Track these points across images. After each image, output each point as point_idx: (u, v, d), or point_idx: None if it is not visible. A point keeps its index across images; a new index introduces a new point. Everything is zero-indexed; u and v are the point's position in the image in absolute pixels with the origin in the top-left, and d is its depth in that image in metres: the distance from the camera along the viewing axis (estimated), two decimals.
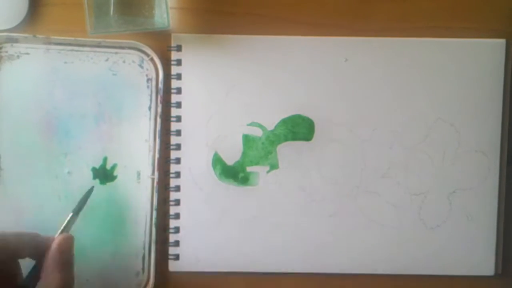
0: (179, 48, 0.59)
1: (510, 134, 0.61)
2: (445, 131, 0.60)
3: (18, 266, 0.52)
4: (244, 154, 0.60)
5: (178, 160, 0.60)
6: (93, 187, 0.59)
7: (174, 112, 0.60)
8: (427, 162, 0.60)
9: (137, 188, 0.60)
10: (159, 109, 0.59)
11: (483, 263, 0.61)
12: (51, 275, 0.50)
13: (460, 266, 0.61)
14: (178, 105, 0.60)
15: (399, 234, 0.61)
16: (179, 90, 0.60)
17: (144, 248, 0.60)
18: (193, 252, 0.60)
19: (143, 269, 0.60)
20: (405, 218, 0.61)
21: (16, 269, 0.52)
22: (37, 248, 0.52)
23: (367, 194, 0.61)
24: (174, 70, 0.60)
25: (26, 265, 0.53)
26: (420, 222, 0.61)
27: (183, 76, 0.60)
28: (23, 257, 0.52)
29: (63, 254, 0.52)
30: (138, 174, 0.60)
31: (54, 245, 0.52)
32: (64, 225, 0.55)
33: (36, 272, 0.52)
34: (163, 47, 0.60)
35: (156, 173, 0.59)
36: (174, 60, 0.59)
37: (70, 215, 0.55)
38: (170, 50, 0.60)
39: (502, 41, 0.60)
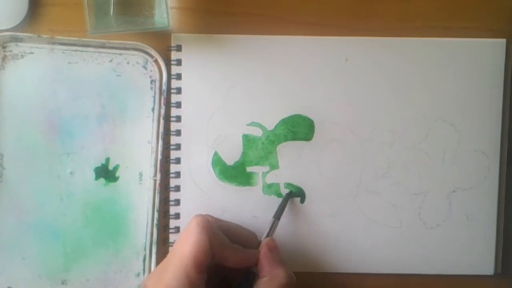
0: (179, 48, 0.60)
1: (510, 134, 0.61)
2: (445, 131, 0.60)
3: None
4: (244, 154, 0.60)
5: (178, 160, 0.60)
6: (289, 192, 0.60)
7: (174, 112, 0.60)
8: (427, 162, 0.60)
9: (139, 189, 0.60)
10: (162, 111, 0.59)
11: (483, 262, 0.61)
12: (273, 271, 0.52)
13: (460, 265, 0.61)
14: (178, 105, 0.60)
15: (399, 233, 0.61)
16: (179, 90, 0.60)
17: (145, 249, 0.60)
18: None
19: (143, 270, 0.60)
20: (405, 217, 0.61)
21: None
22: (254, 245, 0.56)
23: (367, 194, 0.61)
24: (174, 70, 0.60)
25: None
26: (420, 222, 0.61)
27: (183, 76, 0.60)
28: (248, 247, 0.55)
29: (274, 253, 0.54)
30: (140, 175, 0.60)
31: (263, 246, 0.55)
32: (268, 230, 0.57)
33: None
34: (163, 47, 0.60)
35: (158, 174, 0.60)
36: (174, 60, 0.60)
37: (272, 220, 0.57)
38: (170, 50, 0.60)
39: (502, 41, 0.60)
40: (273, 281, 0.52)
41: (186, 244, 0.50)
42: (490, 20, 0.61)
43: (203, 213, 0.59)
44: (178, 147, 0.60)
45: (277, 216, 0.58)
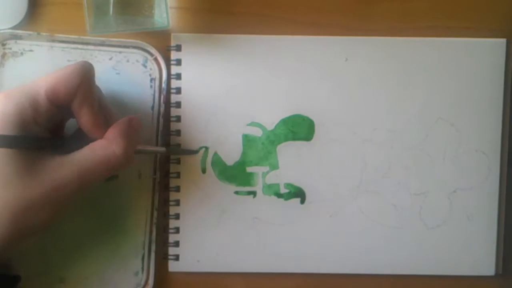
0: (178, 48, 0.60)
1: (511, 133, 0.61)
2: (446, 131, 0.60)
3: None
4: (244, 154, 0.60)
5: (178, 160, 0.60)
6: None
7: (174, 112, 0.60)
8: (428, 162, 0.60)
9: (138, 187, 0.60)
10: (162, 109, 0.59)
11: (484, 263, 0.61)
12: (113, 140, 0.50)
13: (461, 266, 0.61)
14: (178, 105, 0.60)
15: (399, 234, 0.60)
16: (178, 90, 0.60)
17: (144, 248, 0.60)
18: (193, 252, 0.60)
19: (142, 268, 0.60)
20: (406, 218, 0.60)
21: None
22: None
23: (367, 194, 0.60)
24: (174, 70, 0.60)
25: None
26: (420, 222, 0.60)
27: (182, 76, 0.60)
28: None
29: (131, 129, 0.52)
30: (139, 174, 0.60)
31: (126, 119, 0.52)
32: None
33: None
34: (163, 46, 0.60)
35: (157, 173, 0.60)
36: (173, 60, 0.59)
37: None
38: (169, 50, 0.60)
39: (503, 40, 0.60)
40: (106, 147, 0.50)
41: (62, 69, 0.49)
42: (490, 20, 0.61)
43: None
44: (178, 147, 0.60)
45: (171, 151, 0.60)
